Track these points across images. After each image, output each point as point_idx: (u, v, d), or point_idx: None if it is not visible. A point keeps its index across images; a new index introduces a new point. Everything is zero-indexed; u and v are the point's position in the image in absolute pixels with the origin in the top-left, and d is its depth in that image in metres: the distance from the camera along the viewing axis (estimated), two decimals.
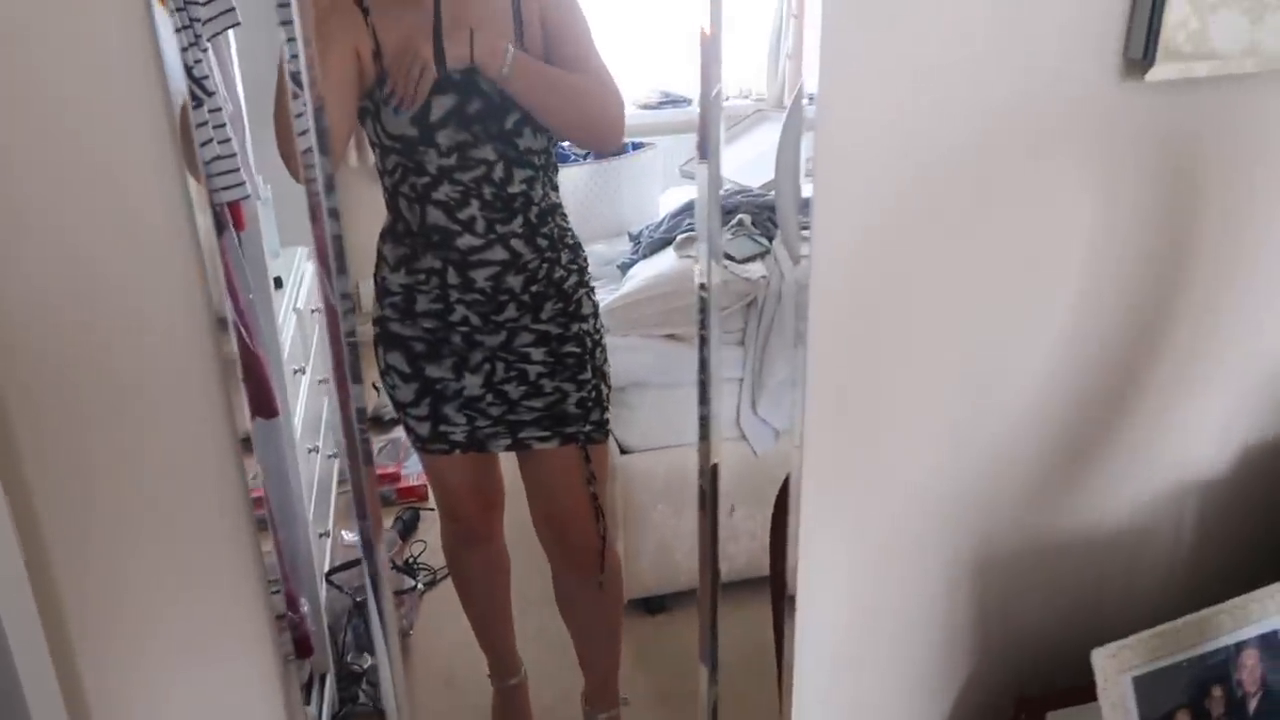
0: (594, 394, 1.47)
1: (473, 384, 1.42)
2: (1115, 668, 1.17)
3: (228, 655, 1.05)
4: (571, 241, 1.44)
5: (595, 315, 1.48)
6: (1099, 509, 1.35)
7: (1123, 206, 1.18)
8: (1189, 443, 1.36)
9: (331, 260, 0.93)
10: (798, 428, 1.13)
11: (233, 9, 0.98)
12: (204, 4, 0.95)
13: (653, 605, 1.91)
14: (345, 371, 0.97)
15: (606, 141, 1.47)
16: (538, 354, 1.42)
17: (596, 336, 1.48)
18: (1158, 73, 1.06)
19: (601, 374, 1.49)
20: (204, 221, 0.87)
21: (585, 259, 1.47)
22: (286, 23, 0.86)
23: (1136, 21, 1.05)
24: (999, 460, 1.26)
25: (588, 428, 1.47)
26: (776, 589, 1.28)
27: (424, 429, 1.45)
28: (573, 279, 1.43)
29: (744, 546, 1.71)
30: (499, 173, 1.31)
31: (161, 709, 1.05)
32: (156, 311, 0.90)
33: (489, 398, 1.43)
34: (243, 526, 1.00)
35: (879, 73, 1.02)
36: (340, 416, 0.99)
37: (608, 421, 1.51)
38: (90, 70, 0.82)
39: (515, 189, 1.33)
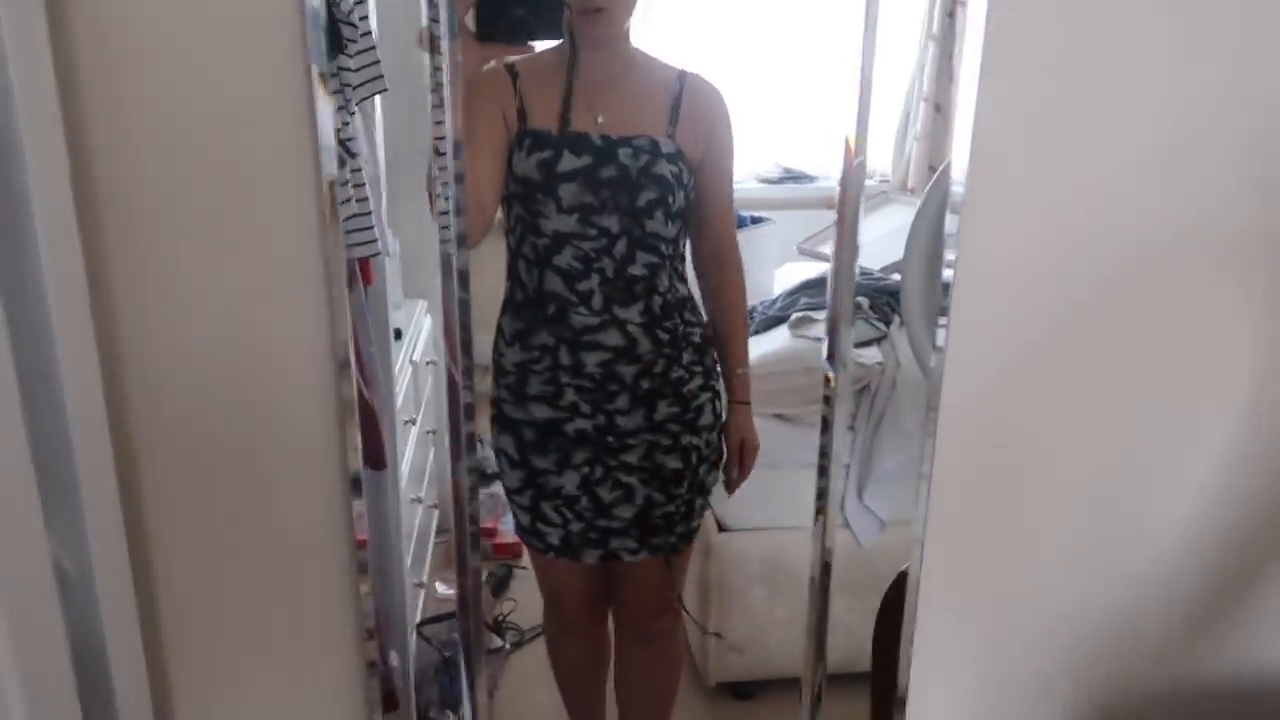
0: (683, 509, 1.43)
1: (571, 482, 1.39)
2: None
3: (317, 698, 1.07)
4: (697, 340, 1.39)
5: (713, 428, 1.42)
6: (1255, 656, 1.23)
7: None
8: None
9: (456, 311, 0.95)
10: (920, 523, 1.08)
11: (380, 76, 1.02)
12: (355, 70, 1.00)
13: (741, 691, 1.85)
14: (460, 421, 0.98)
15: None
16: (636, 459, 1.38)
17: (705, 451, 1.41)
18: None
19: (699, 488, 1.43)
20: (338, 276, 0.91)
21: (714, 361, 1.41)
22: (436, 89, 0.90)
23: None
24: (1141, 593, 1.16)
25: (673, 539, 1.44)
26: (877, 687, 1.22)
27: (525, 519, 1.45)
28: (695, 382, 1.38)
29: (839, 641, 1.64)
30: (620, 249, 1.29)
31: None
32: (285, 351, 0.95)
33: (584, 500, 1.40)
34: (343, 568, 1.02)
35: (1039, 164, 0.99)
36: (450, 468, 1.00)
37: (695, 530, 1.47)
38: (250, 138, 0.89)
39: (637, 271, 1.30)
